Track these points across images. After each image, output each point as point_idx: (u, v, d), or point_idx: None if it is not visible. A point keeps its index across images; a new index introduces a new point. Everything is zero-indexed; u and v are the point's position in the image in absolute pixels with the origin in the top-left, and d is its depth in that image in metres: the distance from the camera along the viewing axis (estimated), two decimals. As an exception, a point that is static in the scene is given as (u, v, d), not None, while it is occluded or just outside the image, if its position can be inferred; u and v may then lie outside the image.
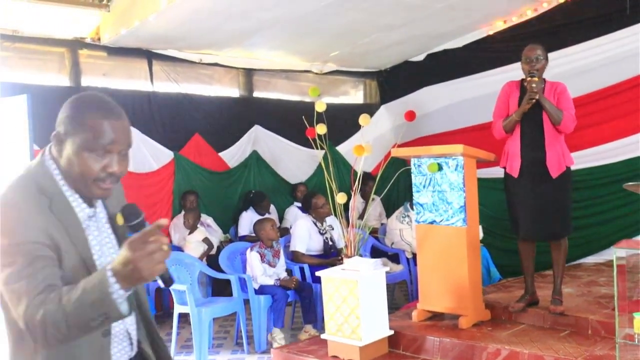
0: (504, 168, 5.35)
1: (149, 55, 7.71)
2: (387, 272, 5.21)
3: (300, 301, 6.28)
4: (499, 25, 8.09)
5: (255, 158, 8.69)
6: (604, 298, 5.54)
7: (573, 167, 5.36)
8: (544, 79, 5.23)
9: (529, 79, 5.09)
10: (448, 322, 5.40)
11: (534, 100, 5.04)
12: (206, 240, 7.40)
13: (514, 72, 7.73)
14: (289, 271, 6.52)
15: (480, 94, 8.17)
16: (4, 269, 1.75)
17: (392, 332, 5.13)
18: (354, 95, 10.06)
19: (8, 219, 1.79)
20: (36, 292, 1.71)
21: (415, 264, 5.90)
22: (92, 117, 1.90)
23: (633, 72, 7.16)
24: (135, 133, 7.39)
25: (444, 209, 5.34)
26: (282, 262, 6.40)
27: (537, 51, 5.15)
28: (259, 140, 8.75)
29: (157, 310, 7.16)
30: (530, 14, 7.82)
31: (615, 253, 4.36)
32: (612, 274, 4.29)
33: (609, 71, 7.24)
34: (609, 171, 7.15)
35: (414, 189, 5.55)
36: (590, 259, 7.12)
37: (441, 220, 5.36)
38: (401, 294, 7.91)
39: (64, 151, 1.91)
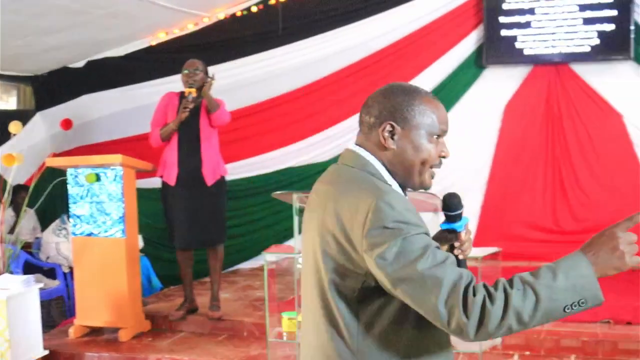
0: (161, 177, 5.36)
1: None
2: (41, 289, 4.89)
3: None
4: (161, 37, 8.11)
5: None
6: (259, 301, 5.83)
7: (230, 177, 5.57)
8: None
9: (186, 90, 5.22)
10: (108, 336, 5.28)
11: (187, 110, 5.16)
12: None
13: (175, 83, 7.84)
14: None
15: (142, 104, 8.10)
16: (418, 259, 1.57)
17: (47, 352, 4.84)
18: (7, 100, 9.33)
19: (398, 213, 1.61)
20: (457, 274, 1.57)
21: (73, 278, 5.63)
22: (427, 99, 1.78)
23: (285, 88, 7.66)
24: None
25: (102, 220, 5.20)
26: None
27: (196, 64, 5.34)
28: None
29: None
30: (191, 28, 7.95)
31: (266, 258, 4.60)
32: (264, 277, 4.50)
33: (264, 87, 7.66)
34: (262, 181, 7.55)
35: (70, 200, 5.32)
36: (247, 265, 7.46)
37: (99, 232, 5.22)
38: (58, 310, 7.48)
39: (404, 142, 1.76)
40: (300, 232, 4.34)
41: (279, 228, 7.23)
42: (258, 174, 7.64)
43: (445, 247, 1.90)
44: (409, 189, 1.85)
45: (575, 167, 7.24)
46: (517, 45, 7.29)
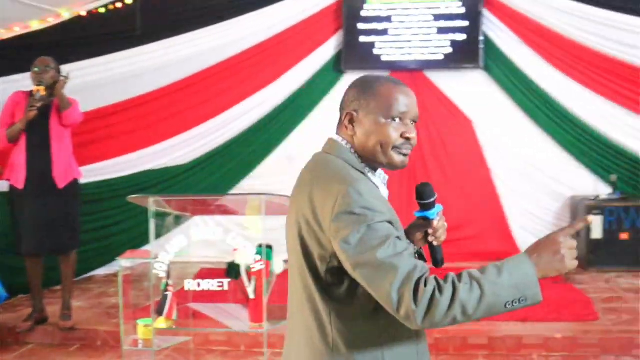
0: (8, 180, 5.09)
1: None
2: None
3: None
4: (13, 32, 7.67)
5: None
6: (114, 308, 5.66)
7: (85, 180, 5.37)
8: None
9: (34, 88, 5.00)
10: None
11: (34, 108, 4.95)
12: None
13: (23, 82, 7.46)
14: None
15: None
16: (378, 246, 1.68)
17: None
18: None
19: (365, 201, 1.73)
20: (412, 265, 1.68)
21: None
22: (382, 86, 1.89)
23: (144, 89, 7.49)
24: None
25: None
26: None
27: (46, 62, 5.17)
28: None
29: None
30: (47, 23, 7.57)
31: (120, 264, 4.46)
32: (118, 284, 4.38)
33: (122, 87, 7.45)
34: (118, 184, 7.32)
35: None
36: (101, 271, 7.19)
37: None
38: None
39: (360, 128, 1.89)
40: (156, 237, 4.27)
41: (136, 233, 7.04)
42: (114, 177, 7.40)
43: (420, 234, 2.04)
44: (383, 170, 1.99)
45: (429, 171, 7.54)
46: (375, 51, 7.50)
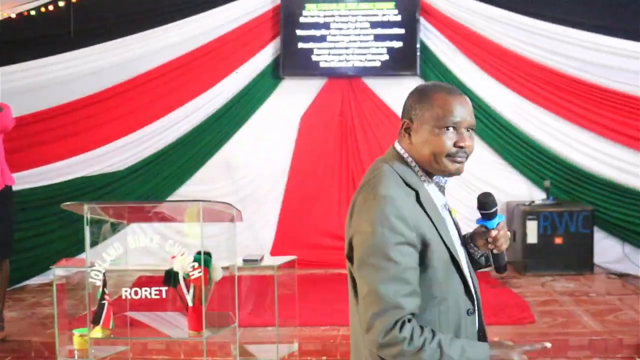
0: None
1: None
2: None
3: None
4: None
5: None
6: (48, 318, 5.56)
7: (18, 187, 5.24)
8: None
9: None
10: None
11: None
12: None
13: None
14: None
15: None
16: (377, 269, 1.83)
17: None
18: None
19: (389, 216, 1.84)
20: (400, 302, 1.79)
21: None
22: (438, 96, 1.96)
23: (79, 94, 7.37)
24: None
25: None
26: None
27: None
28: None
29: None
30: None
31: (55, 272, 4.39)
32: (53, 293, 4.30)
33: (56, 91, 7.33)
34: (52, 191, 7.18)
35: None
36: (36, 280, 7.03)
37: None
38: None
39: (417, 137, 1.97)
40: (92, 245, 4.22)
41: (71, 241, 6.92)
42: (48, 184, 7.25)
43: (482, 240, 2.13)
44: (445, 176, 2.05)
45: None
46: (313, 57, 7.54)
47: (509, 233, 2.12)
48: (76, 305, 5.27)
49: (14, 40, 7.39)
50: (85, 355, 4.27)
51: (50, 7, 7.37)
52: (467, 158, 2.00)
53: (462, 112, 1.95)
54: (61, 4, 7.33)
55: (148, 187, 7.51)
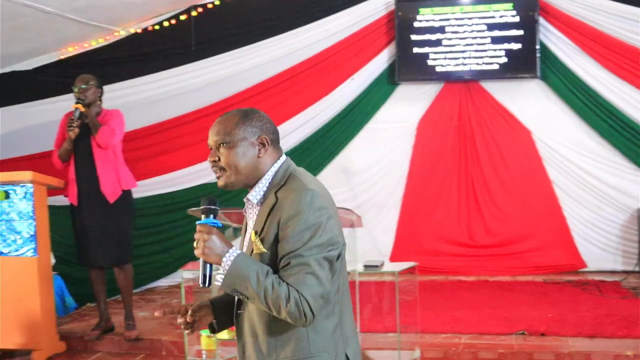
0: (66, 196, 5.30)
1: None
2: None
3: None
4: (71, 50, 7.94)
5: None
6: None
7: (142, 194, 5.47)
8: (101, 107, 5.42)
9: (73, 106, 5.16)
10: (20, 359, 5.09)
11: (73, 127, 5.10)
12: None
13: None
14: None
15: (52, 119, 7.91)
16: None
17: (-48, 377, 4.67)
18: None
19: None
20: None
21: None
22: None
23: (198, 104, 7.64)
24: None
25: (12, 239, 5.09)
26: None
27: (85, 79, 5.34)
28: None
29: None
30: (103, 42, 7.83)
31: (183, 275, 4.58)
32: (181, 294, 4.48)
33: (177, 102, 7.63)
34: (176, 198, 7.47)
35: (-23, 217, 5.14)
36: (164, 282, 7.36)
37: (9, 251, 5.11)
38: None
39: None
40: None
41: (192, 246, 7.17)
42: (171, 191, 7.57)
43: None
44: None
45: (487, 182, 7.53)
46: (429, 62, 7.54)
47: (209, 246, 2.07)
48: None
49: (139, 54, 7.79)
50: (212, 355, 4.46)
51: (173, 21, 7.73)
52: (220, 171, 2.21)
53: (210, 134, 2.25)
54: (183, 17, 7.68)
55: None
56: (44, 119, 7.98)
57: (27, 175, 5.10)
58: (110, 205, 5.26)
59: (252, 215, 2.25)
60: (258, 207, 2.21)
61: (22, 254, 5.09)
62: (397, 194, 7.69)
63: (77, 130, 5.17)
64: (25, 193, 5.10)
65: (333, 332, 2.16)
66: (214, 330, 2.36)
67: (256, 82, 7.73)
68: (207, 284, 2.16)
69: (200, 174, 7.70)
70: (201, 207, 2.16)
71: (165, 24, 7.78)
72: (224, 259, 2.04)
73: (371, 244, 7.30)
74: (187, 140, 7.72)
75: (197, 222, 2.14)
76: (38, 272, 5.08)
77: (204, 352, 4.59)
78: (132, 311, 5.49)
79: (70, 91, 7.85)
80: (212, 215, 2.14)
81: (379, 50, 7.72)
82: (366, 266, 4.63)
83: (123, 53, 7.82)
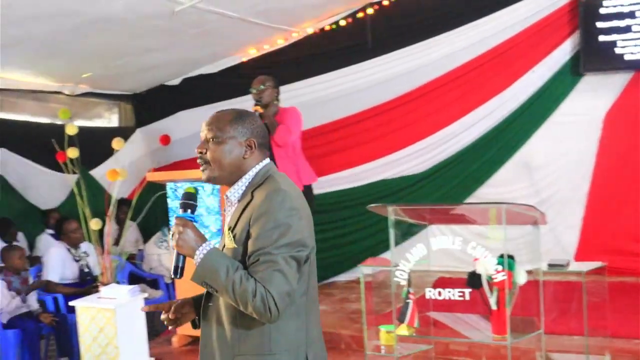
0: None
1: None
2: (145, 299, 5.07)
3: (54, 333, 5.85)
4: (252, 53, 8.27)
5: (0, 183, 8.04)
6: (355, 313, 5.85)
7: (322, 190, 5.54)
8: (278, 107, 5.57)
9: (253, 108, 5.32)
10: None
11: None
12: None
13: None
14: (42, 302, 6.07)
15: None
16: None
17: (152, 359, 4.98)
18: (109, 118, 9.72)
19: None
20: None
21: (175, 289, 5.79)
22: None
23: (376, 101, 7.68)
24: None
25: (201, 233, 5.29)
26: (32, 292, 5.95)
27: (262, 81, 5.51)
28: (6, 164, 8.10)
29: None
30: (281, 43, 8.09)
31: (362, 271, 4.61)
32: (360, 290, 4.51)
33: (355, 99, 7.72)
34: (354, 194, 7.56)
35: (170, 214, 5.48)
36: (342, 277, 7.47)
37: (199, 245, 5.30)
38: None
39: None
40: (395, 244, 4.36)
41: (373, 241, 7.24)
42: (350, 187, 7.68)
43: None
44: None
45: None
46: (617, 50, 7.07)
47: (184, 238, 2.16)
48: (381, 302, 5.49)
49: (316, 54, 7.95)
50: (391, 351, 4.45)
51: (349, 20, 7.82)
52: (205, 164, 2.32)
53: (202, 126, 2.37)
54: (359, 15, 7.75)
55: (445, 190, 7.60)
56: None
57: (214, 172, 5.34)
58: None
59: (229, 212, 2.33)
60: (236, 205, 2.30)
61: (211, 247, 5.34)
62: (582, 189, 7.28)
63: None
64: (213, 189, 5.35)
65: (296, 333, 2.22)
66: (195, 326, 2.43)
67: (434, 76, 7.64)
68: (178, 275, 2.22)
69: (378, 169, 7.77)
70: (180, 202, 2.26)
71: (342, 22, 7.89)
72: (197, 252, 2.13)
73: (554, 242, 6.98)
74: (365, 137, 7.80)
75: (175, 215, 2.24)
76: (224, 265, 5.31)
77: (382, 347, 4.60)
78: None
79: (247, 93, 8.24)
80: (189, 210, 2.24)
81: (561, 40, 7.33)
82: (551, 265, 4.43)
83: (300, 53, 8.03)
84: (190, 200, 2.26)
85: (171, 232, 2.21)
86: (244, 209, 2.24)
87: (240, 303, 2.08)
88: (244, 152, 2.31)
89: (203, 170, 2.32)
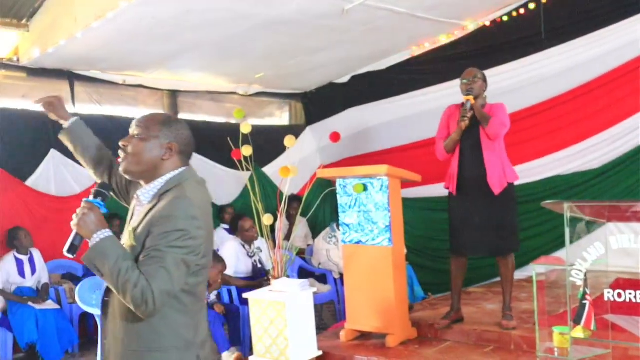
0: (447, 188, 5.42)
1: (71, 77, 7.57)
2: (314, 293, 5.21)
3: (227, 323, 6.18)
4: (421, 48, 8.25)
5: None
6: (526, 313, 5.68)
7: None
8: (486, 101, 5.40)
9: (464, 98, 5.22)
10: (375, 341, 5.45)
11: (466, 118, 5.14)
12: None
13: (436, 93, 7.94)
14: (217, 294, 6.43)
15: (404, 115, 8.34)
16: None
17: (320, 353, 5.13)
18: (280, 116, 10.08)
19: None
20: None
21: (343, 284, 5.89)
22: None
23: (549, 94, 7.41)
24: (56, 155, 7.21)
25: (369, 229, 5.39)
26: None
27: (473, 72, 5.35)
28: (185, 162, 8.62)
29: (80, 337, 6.93)
30: (451, 37, 8.00)
31: (535, 270, 4.46)
32: (533, 289, 4.38)
33: (526, 93, 7.50)
34: (528, 190, 7.34)
35: (339, 210, 5.58)
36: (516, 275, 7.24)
37: (367, 240, 5.40)
38: (329, 314, 7.90)
39: None
40: (571, 242, 4.19)
41: (547, 238, 6.99)
42: (525, 182, 7.43)
43: None
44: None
45: None
46: None
47: (86, 220, 2.25)
48: (553, 302, 5.28)
49: (487, 47, 7.78)
50: (564, 353, 4.27)
51: (522, 11, 7.58)
52: (124, 156, 2.42)
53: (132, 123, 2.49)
54: (532, 6, 7.49)
55: (624, 186, 7.16)
56: (397, 115, 8.41)
57: (382, 169, 5.37)
58: (495, 196, 5.24)
59: (136, 211, 2.44)
60: (144, 205, 2.40)
61: (378, 243, 5.39)
62: None
63: (467, 121, 5.22)
64: (381, 185, 5.39)
65: (185, 330, 2.34)
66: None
67: (612, 67, 7.17)
68: (72, 254, 2.31)
69: (552, 165, 7.49)
70: (94, 190, 2.37)
71: (514, 14, 7.67)
72: (94, 235, 2.22)
73: None
74: (536, 132, 7.54)
75: (84, 199, 2.32)
76: (393, 261, 5.34)
77: (556, 349, 4.43)
78: (511, 302, 5.49)
79: (421, 87, 8.21)
80: (100, 198, 2.34)
81: None
82: None
83: (471, 47, 7.89)
84: (103, 189, 2.38)
85: (76, 213, 2.31)
86: (149, 211, 2.35)
87: (120, 291, 2.18)
88: (163, 153, 2.43)
89: (122, 162, 2.43)
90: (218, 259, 6.20)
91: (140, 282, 2.16)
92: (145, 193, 2.45)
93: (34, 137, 7.24)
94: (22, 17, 6.78)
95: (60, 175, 7.40)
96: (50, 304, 6.68)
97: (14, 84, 7.27)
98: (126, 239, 2.40)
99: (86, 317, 6.98)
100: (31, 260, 6.82)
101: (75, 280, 7.17)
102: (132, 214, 2.51)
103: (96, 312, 5.83)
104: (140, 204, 2.45)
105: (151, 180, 2.45)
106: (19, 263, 6.73)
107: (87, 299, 5.90)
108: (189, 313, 2.36)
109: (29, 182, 7.23)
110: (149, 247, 2.25)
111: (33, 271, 6.81)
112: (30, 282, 6.78)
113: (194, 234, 2.27)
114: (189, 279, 2.31)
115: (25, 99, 7.31)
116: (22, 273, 6.72)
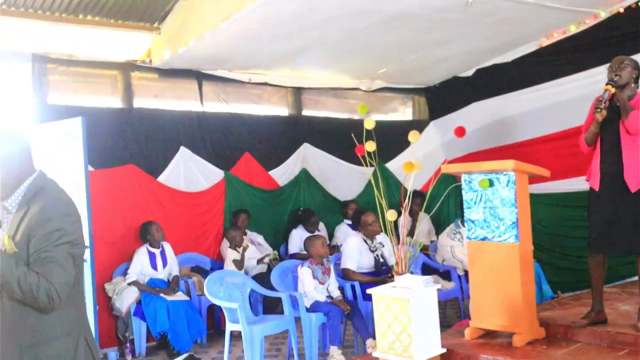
0: (588, 182, 5.22)
1: (199, 76, 7.86)
2: (438, 290, 5.16)
3: (351, 319, 6.23)
4: (550, 38, 8.00)
5: (304, 176, 8.74)
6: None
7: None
8: (636, 91, 5.03)
9: (602, 87, 4.94)
10: (502, 340, 5.33)
11: (600, 109, 4.88)
12: (235, 262, 7.42)
13: (565, 85, 7.66)
14: (341, 289, 6.50)
15: (531, 109, 8.11)
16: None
17: (444, 350, 5.07)
18: (403, 111, 10.05)
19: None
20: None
21: (467, 281, 5.83)
22: None
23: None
24: (185, 153, 7.54)
25: (495, 225, 5.28)
26: (332, 279, 6.42)
27: (620, 59, 4.98)
28: (308, 158, 8.79)
29: (209, 328, 7.20)
30: (582, 26, 7.70)
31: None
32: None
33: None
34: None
35: (464, 205, 5.50)
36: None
37: (493, 237, 5.30)
38: (453, 311, 7.83)
39: None
40: None
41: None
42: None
43: None
44: None
45: None
46: None
47: None
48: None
49: (618, 35, 7.43)
50: None
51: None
52: None
53: None
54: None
55: None
56: (523, 109, 8.20)
57: (509, 164, 5.24)
58: (631, 194, 4.93)
59: (6, 219, 2.58)
60: (12, 212, 2.55)
61: (505, 240, 5.26)
62: None
63: (604, 112, 4.90)
64: (508, 181, 5.26)
65: (77, 319, 2.60)
66: None
67: None
68: None
69: None
70: None
71: (648, 1, 7.31)
72: None
73: None
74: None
75: None
76: (519, 258, 5.19)
77: (698, 355, 4.22)
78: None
79: (549, 79, 7.96)
80: None
81: None
82: None
83: (601, 35, 7.57)
84: None
85: None
86: (22, 218, 2.51)
87: (26, 296, 2.36)
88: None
89: None
90: (316, 236, 6.60)
91: (42, 282, 2.37)
92: (11, 202, 2.61)
93: (165, 135, 7.59)
94: (154, 21, 7.12)
95: (189, 171, 7.71)
96: (180, 296, 6.99)
97: (147, 85, 7.65)
98: (6, 247, 2.52)
99: (214, 309, 7.25)
100: (163, 254, 7.16)
101: (204, 273, 7.46)
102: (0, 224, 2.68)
103: (224, 304, 6.06)
104: (8, 212, 2.62)
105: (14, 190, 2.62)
106: (152, 256, 7.07)
107: (214, 291, 6.13)
108: (78, 302, 2.65)
109: (161, 179, 7.59)
110: (36, 250, 2.45)
111: (164, 264, 7.14)
112: (161, 274, 7.11)
113: (72, 229, 2.52)
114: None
115: (157, 98, 7.66)
116: (154, 265, 7.06)
